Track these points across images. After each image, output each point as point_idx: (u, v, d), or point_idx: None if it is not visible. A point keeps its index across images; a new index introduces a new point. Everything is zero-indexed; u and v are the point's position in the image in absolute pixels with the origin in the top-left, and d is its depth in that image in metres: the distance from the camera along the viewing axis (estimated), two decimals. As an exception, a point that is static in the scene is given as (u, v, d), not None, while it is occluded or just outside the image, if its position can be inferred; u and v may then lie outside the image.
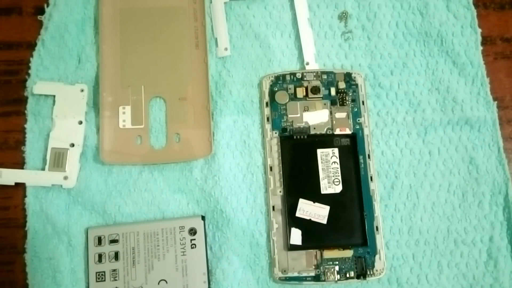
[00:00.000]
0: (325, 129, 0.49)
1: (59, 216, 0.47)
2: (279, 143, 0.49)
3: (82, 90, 0.49)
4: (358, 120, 0.49)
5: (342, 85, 0.50)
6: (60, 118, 0.49)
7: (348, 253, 0.47)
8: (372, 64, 0.51)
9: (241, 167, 0.49)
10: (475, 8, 0.52)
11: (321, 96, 0.50)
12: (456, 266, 0.48)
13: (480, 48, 0.51)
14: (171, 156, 0.49)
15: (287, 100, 0.50)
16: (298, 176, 0.48)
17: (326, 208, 0.47)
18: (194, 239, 0.46)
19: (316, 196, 0.48)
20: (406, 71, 0.51)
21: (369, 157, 0.49)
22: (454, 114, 0.50)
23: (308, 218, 0.47)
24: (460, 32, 0.51)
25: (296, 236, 0.47)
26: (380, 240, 0.47)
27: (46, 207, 0.47)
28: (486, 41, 0.52)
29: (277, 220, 0.47)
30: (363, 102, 0.50)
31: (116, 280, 0.46)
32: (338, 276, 0.46)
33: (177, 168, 0.49)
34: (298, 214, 0.47)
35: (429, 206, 0.49)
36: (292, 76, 0.50)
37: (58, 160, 0.48)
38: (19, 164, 0.48)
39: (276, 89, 0.50)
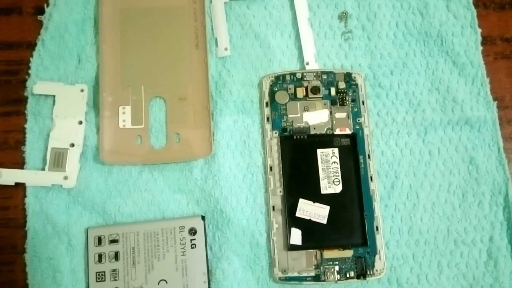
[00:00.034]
0: (325, 129, 0.49)
1: (59, 216, 0.47)
2: (279, 143, 0.49)
3: (82, 90, 0.49)
4: (358, 120, 0.49)
5: (342, 85, 0.50)
6: (60, 118, 0.49)
7: (348, 253, 0.47)
8: (372, 64, 0.51)
9: (241, 167, 0.49)
10: (475, 8, 0.52)
11: (321, 96, 0.50)
12: (456, 266, 0.48)
13: (480, 48, 0.51)
14: (171, 156, 0.49)
15: (287, 100, 0.50)
16: (298, 176, 0.48)
17: (326, 208, 0.47)
18: (194, 239, 0.46)
19: (316, 196, 0.48)
20: (406, 71, 0.51)
21: (369, 157, 0.49)
22: (454, 114, 0.50)
23: (308, 218, 0.47)
24: (460, 32, 0.51)
25: (296, 236, 0.47)
26: (380, 240, 0.47)
27: (46, 207, 0.47)
28: (486, 41, 0.52)
29: (277, 220, 0.47)
30: (363, 102, 0.50)
31: (116, 280, 0.46)
32: (338, 276, 0.46)
33: (177, 168, 0.49)
34: (298, 214, 0.47)
35: (429, 206, 0.49)
36: (292, 76, 0.50)
37: (58, 160, 0.48)
38: (19, 164, 0.48)
39: (276, 89, 0.50)
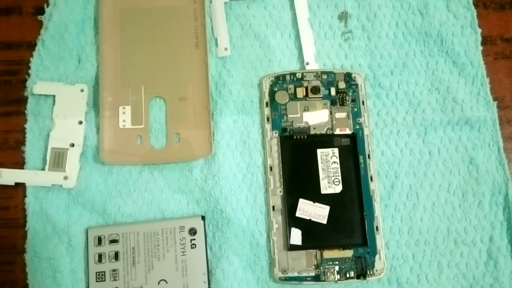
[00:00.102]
0: (325, 129, 0.49)
1: (59, 216, 0.47)
2: (279, 143, 0.49)
3: (82, 90, 0.49)
4: (358, 120, 0.49)
5: (342, 85, 0.50)
6: (60, 118, 0.49)
7: (348, 253, 0.47)
8: (372, 64, 0.51)
9: (241, 167, 0.49)
10: (475, 8, 0.52)
11: (321, 96, 0.50)
12: (456, 266, 0.48)
13: (480, 48, 0.51)
14: (171, 156, 0.49)
15: (287, 100, 0.50)
16: (298, 176, 0.48)
17: (326, 208, 0.47)
18: (194, 239, 0.46)
19: (316, 196, 0.48)
20: (406, 71, 0.51)
21: (369, 157, 0.49)
22: (454, 114, 0.50)
23: (308, 218, 0.47)
24: (460, 32, 0.51)
25: (296, 236, 0.47)
26: (380, 240, 0.47)
27: (46, 207, 0.47)
28: (486, 41, 0.52)
29: (277, 220, 0.47)
30: (363, 102, 0.50)
31: (116, 280, 0.46)
32: (338, 276, 0.46)
33: (177, 168, 0.49)
34: (298, 214, 0.47)
35: (429, 206, 0.49)
36: (292, 76, 0.50)
37: (58, 160, 0.48)
38: (19, 164, 0.48)
39: (276, 89, 0.50)
